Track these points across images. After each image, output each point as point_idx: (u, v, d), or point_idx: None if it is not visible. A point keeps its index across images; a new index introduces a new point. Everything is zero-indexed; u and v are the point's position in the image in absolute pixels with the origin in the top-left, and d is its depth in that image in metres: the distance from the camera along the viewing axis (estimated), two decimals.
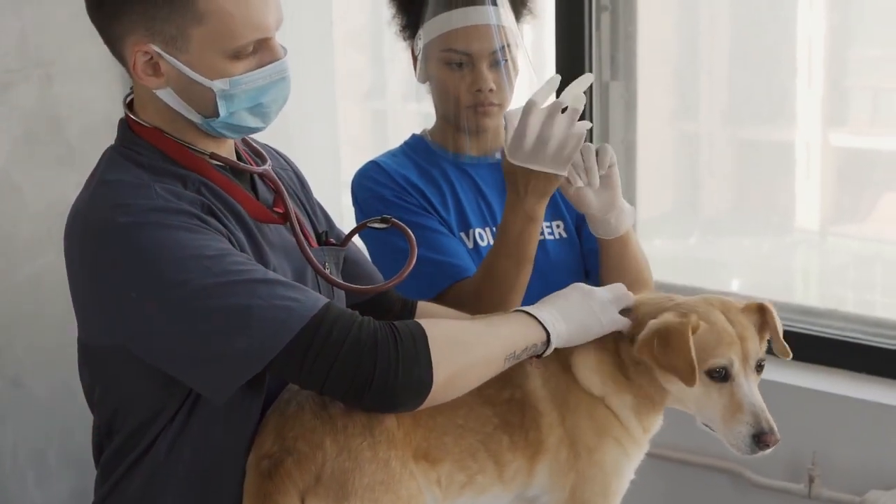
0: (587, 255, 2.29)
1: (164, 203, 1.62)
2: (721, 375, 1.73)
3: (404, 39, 2.30)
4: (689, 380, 1.70)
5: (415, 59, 2.28)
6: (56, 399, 3.23)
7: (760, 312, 1.80)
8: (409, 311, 2.02)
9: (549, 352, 1.75)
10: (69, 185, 1.76)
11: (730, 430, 1.73)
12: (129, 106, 1.77)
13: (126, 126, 1.76)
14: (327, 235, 1.94)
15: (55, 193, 3.17)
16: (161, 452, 1.70)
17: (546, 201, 2.02)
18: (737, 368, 1.73)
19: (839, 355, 2.84)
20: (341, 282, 1.86)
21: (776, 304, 2.96)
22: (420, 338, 1.62)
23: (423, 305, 2.04)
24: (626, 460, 1.81)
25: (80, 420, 1.84)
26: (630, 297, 1.83)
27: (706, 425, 1.79)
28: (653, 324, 1.74)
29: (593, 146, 2.05)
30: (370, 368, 1.59)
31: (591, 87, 3.07)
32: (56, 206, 3.13)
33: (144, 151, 1.71)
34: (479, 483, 1.74)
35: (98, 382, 1.75)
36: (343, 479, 1.62)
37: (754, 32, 3.19)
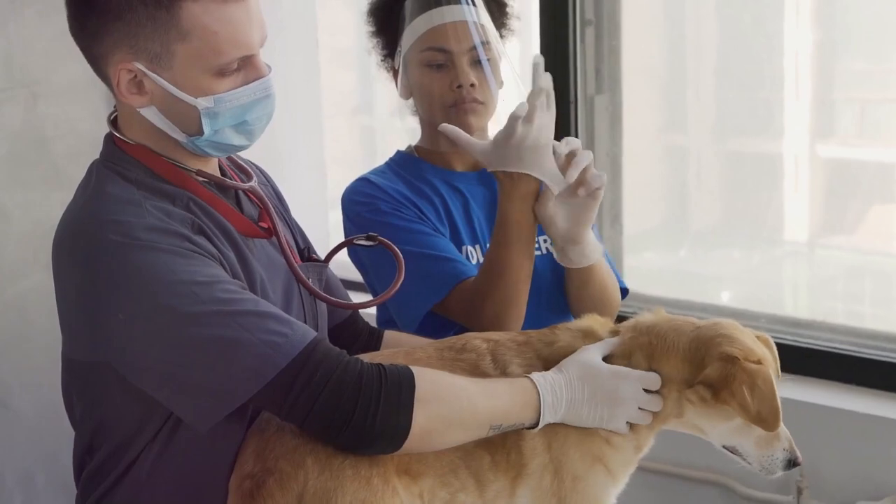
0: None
1: (156, 223, 1.61)
2: None
3: (387, 69, 2.31)
4: (773, 425, 1.71)
5: (395, 74, 2.27)
6: (43, 421, 3.21)
7: (765, 344, 1.83)
8: (376, 340, 2.02)
9: (535, 431, 1.73)
10: (55, 205, 1.75)
11: (764, 455, 1.76)
12: (114, 123, 1.76)
13: (111, 142, 1.74)
14: (308, 252, 1.93)
15: (41, 214, 3.16)
16: (144, 471, 1.69)
17: (534, 192, 2.00)
18: None
19: (828, 367, 2.84)
20: (328, 297, 1.85)
21: (765, 316, 2.99)
22: (407, 386, 1.61)
23: (389, 334, 2.03)
24: (612, 487, 1.79)
25: (68, 442, 1.83)
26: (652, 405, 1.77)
27: (727, 448, 1.79)
28: (733, 369, 1.71)
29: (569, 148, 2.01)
30: (350, 410, 1.58)
31: (575, 104, 3.08)
32: (42, 227, 3.11)
33: (131, 167, 1.70)
34: (461, 501, 1.72)
35: (81, 398, 1.74)
36: (325, 498, 1.61)
37: (741, 45, 3.19)
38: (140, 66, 1.64)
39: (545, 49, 3.10)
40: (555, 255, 2.10)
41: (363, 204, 2.20)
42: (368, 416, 1.58)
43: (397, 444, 1.61)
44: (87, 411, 1.73)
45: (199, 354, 1.57)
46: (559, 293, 2.23)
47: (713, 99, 3.32)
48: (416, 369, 1.64)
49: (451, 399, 1.65)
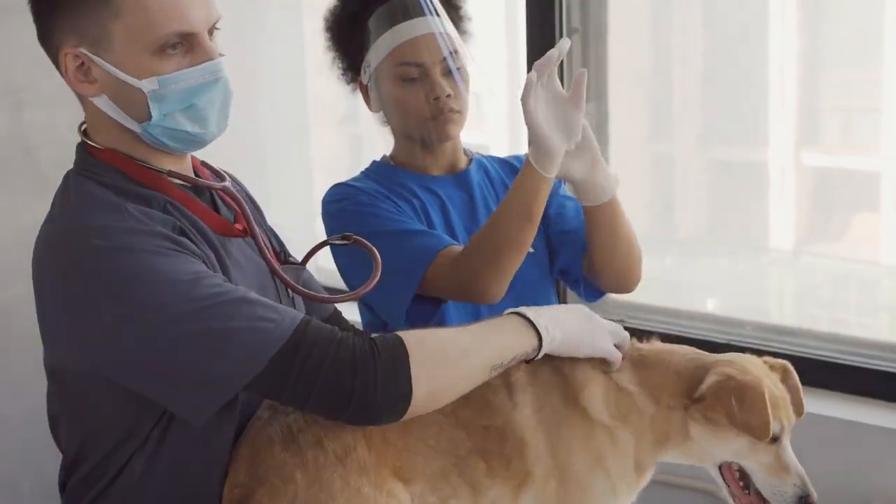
0: (562, 267, 2.30)
1: (137, 225, 1.61)
2: (771, 437, 1.77)
3: (348, 82, 2.31)
4: (762, 435, 1.73)
5: (365, 90, 2.28)
6: (28, 428, 3.19)
7: (784, 371, 1.86)
8: None
9: (539, 356, 1.74)
10: (40, 212, 1.75)
11: (773, 488, 1.78)
12: (85, 133, 1.76)
13: (84, 150, 1.75)
14: (285, 255, 1.94)
15: (25, 221, 3.12)
16: (134, 475, 1.69)
17: (556, 164, 1.98)
18: (784, 431, 1.78)
19: (813, 374, 2.83)
20: (306, 290, 1.86)
21: (751, 324, 3.00)
22: (400, 354, 1.61)
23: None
24: (613, 500, 1.80)
25: (54, 449, 1.82)
26: (627, 337, 1.84)
27: (725, 470, 1.82)
28: (725, 381, 1.75)
29: None
30: (350, 387, 1.58)
31: None
32: (26, 234, 3.08)
33: (106, 173, 1.70)
34: None
35: (67, 408, 1.73)
36: None
37: (727, 54, 3.20)
38: (84, 50, 1.64)
39: (531, 57, 3.10)
40: (583, 200, 2.09)
41: (344, 200, 2.21)
42: (369, 391, 1.58)
43: (402, 412, 1.62)
44: (73, 422, 1.73)
45: (191, 350, 1.57)
46: (537, 292, 2.24)
47: (699, 107, 3.33)
48: (402, 334, 1.65)
49: (445, 354, 1.66)
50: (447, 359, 1.66)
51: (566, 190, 2.34)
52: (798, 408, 1.86)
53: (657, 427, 1.79)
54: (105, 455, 1.70)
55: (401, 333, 1.66)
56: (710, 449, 1.79)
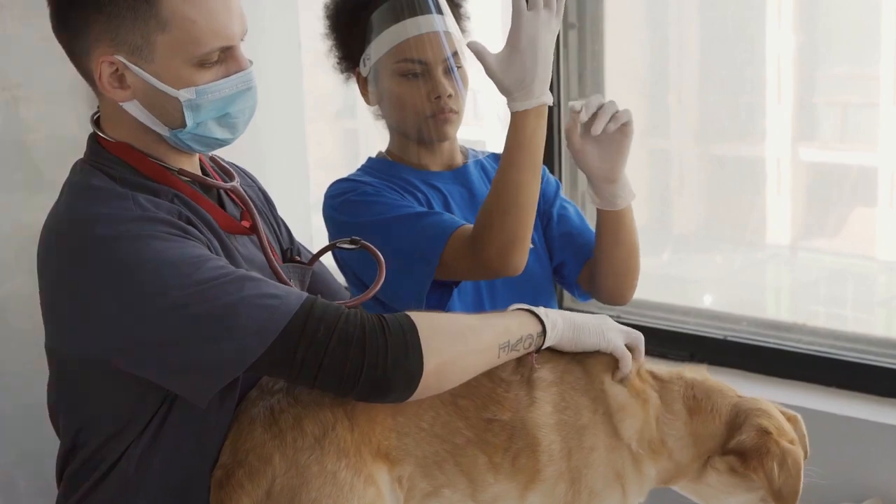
0: (557, 265, 2.30)
1: (142, 212, 1.62)
2: None
3: (342, 71, 2.30)
4: None
5: (362, 82, 2.27)
6: (25, 424, 3.20)
7: (795, 422, 1.86)
8: None
9: (546, 344, 1.74)
10: (36, 208, 1.76)
11: None
12: (97, 123, 1.76)
13: (95, 142, 1.75)
14: (292, 252, 1.94)
15: (22, 217, 3.15)
16: (131, 465, 1.69)
17: (533, 89, 1.94)
18: None
19: (810, 370, 2.84)
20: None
21: (747, 319, 2.99)
22: (409, 328, 1.61)
23: None
24: None
25: (50, 445, 1.83)
26: (640, 338, 1.83)
27: None
28: (768, 444, 1.75)
29: (603, 98, 2.02)
30: (359, 361, 1.58)
31: (558, 106, 3.08)
32: (23, 230, 3.10)
33: (115, 165, 1.71)
34: (446, 497, 1.71)
35: (67, 394, 1.73)
36: (291, 496, 1.62)
37: (723, 50, 3.20)
38: (121, 58, 1.64)
39: None
40: (590, 198, 2.12)
41: (348, 192, 2.20)
42: (380, 364, 1.58)
43: (413, 387, 1.61)
44: (72, 410, 1.73)
45: (198, 331, 1.57)
46: (537, 287, 2.24)
47: (696, 103, 3.33)
48: (411, 312, 1.65)
49: (451, 329, 1.67)
50: (455, 333, 1.67)
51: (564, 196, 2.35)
52: (804, 454, 1.86)
53: (679, 469, 1.80)
54: (102, 443, 1.70)
55: (408, 312, 1.65)
56: (720, 496, 1.80)
